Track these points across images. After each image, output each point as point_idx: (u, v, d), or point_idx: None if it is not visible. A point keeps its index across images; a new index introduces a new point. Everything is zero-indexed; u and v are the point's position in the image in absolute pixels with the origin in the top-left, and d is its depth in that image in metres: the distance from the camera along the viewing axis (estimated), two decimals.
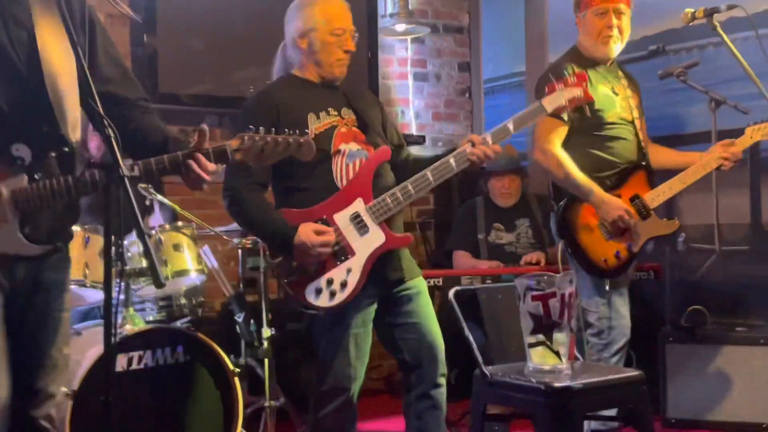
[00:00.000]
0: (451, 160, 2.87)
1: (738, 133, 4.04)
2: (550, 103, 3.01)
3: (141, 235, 1.98)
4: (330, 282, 2.77)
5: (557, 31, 5.52)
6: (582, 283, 3.48)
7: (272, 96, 2.94)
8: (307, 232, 2.74)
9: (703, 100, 4.18)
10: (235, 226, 4.14)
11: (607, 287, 3.45)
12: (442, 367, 2.96)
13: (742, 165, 4.38)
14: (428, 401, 2.97)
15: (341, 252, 2.80)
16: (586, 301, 3.52)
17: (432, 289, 4.06)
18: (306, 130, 2.78)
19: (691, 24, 3.48)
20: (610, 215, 3.39)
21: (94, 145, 3.90)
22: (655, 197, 3.53)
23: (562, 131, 3.48)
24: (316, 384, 2.96)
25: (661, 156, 3.76)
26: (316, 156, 2.79)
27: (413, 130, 5.84)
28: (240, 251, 4.02)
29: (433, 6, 5.96)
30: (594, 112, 3.44)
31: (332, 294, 2.77)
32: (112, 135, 2.01)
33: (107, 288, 1.99)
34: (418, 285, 2.98)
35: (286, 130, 2.27)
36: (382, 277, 2.86)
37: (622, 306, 3.51)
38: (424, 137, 5.76)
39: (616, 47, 3.58)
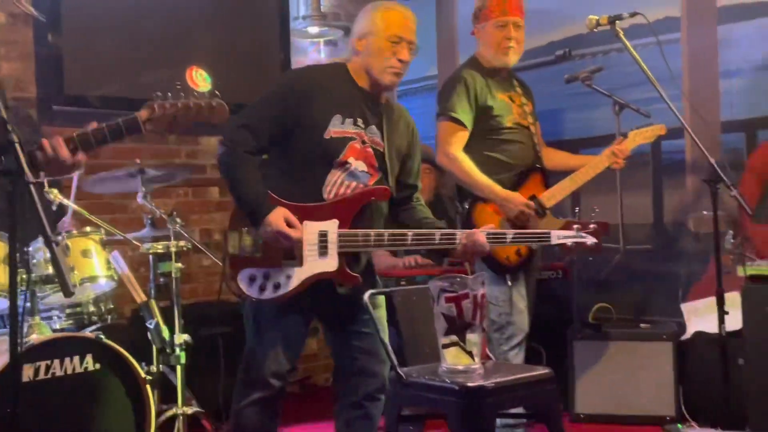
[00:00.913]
0: (437, 236, 2.85)
1: None
2: (558, 236, 3.00)
3: (48, 243, 1.93)
4: (267, 276, 2.74)
5: (467, 35, 5.61)
6: None
7: (313, 79, 2.90)
8: (279, 216, 2.70)
9: (607, 103, 4.33)
10: (146, 231, 4.09)
11: (509, 283, 3.58)
12: (385, 381, 2.91)
13: (644, 167, 4.57)
14: (360, 410, 2.95)
15: (292, 255, 2.76)
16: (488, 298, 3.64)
17: None
18: (322, 128, 2.78)
19: (595, 30, 3.60)
20: (513, 211, 3.56)
21: None
22: (550, 197, 3.71)
23: (463, 135, 3.63)
24: (239, 371, 2.92)
25: (555, 159, 3.95)
26: (322, 158, 2.79)
27: None
28: (151, 256, 3.95)
29: (345, 9, 5.97)
30: (493, 118, 3.62)
31: (262, 288, 2.75)
32: (16, 140, 1.96)
33: (12, 296, 1.94)
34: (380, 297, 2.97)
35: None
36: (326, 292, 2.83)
37: (520, 301, 3.67)
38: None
39: (515, 57, 3.75)
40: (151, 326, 3.70)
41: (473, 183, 3.61)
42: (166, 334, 3.68)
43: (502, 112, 3.71)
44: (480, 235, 2.84)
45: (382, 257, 4.80)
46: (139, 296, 3.72)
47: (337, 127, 2.83)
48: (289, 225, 2.72)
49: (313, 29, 5.56)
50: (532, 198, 3.68)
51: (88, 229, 3.69)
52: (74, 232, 3.62)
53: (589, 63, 4.72)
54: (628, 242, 4.59)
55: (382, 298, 2.99)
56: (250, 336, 2.90)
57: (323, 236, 2.77)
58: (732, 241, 3.84)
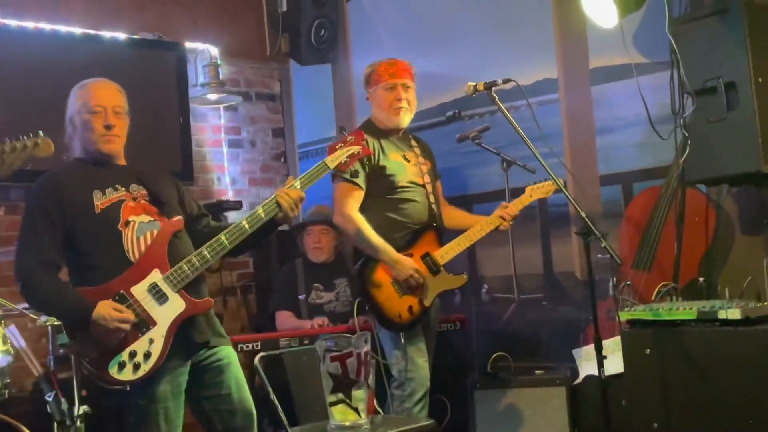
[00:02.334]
0: (244, 222, 3.00)
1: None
2: (332, 160, 3.21)
3: None
4: (133, 354, 2.78)
5: (363, 99, 5.81)
6: (381, 338, 3.72)
7: (56, 178, 2.99)
8: (105, 307, 2.76)
9: (496, 160, 4.55)
10: None
11: (402, 340, 3.70)
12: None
13: (533, 220, 4.79)
14: None
15: (142, 324, 2.82)
16: (387, 355, 3.75)
17: (251, 354, 4.14)
18: (89, 207, 2.87)
19: (473, 96, 3.81)
20: (402, 274, 3.71)
21: None
22: (444, 254, 3.89)
23: (359, 195, 3.77)
24: None
25: (454, 217, 4.14)
26: (105, 230, 2.88)
27: (230, 196, 5.92)
28: (50, 328, 3.93)
29: (244, 75, 6.12)
30: (386, 177, 3.76)
31: (136, 366, 2.78)
32: None
33: None
34: (229, 355, 3.03)
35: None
36: (188, 341, 2.90)
37: (419, 357, 3.77)
38: (241, 202, 5.85)
39: (407, 117, 3.92)
40: (50, 399, 3.67)
41: (367, 243, 3.74)
42: (65, 406, 3.65)
43: (395, 172, 3.87)
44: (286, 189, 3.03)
45: (288, 320, 4.88)
46: (37, 369, 3.70)
47: (102, 199, 2.96)
48: (117, 310, 2.79)
49: (213, 96, 5.67)
50: (426, 255, 3.84)
51: None
52: None
53: (477, 123, 4.95)
54: (522, 292, 4.79)
55: (232, 353, 3.07)
56: (130, 426, 2.93)
57: (154, 287, 2.86)
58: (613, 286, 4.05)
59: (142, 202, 3.01)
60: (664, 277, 3.93)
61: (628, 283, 4.13)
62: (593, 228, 3.34)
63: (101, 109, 3.02)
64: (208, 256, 2.92)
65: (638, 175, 4.40)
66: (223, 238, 2.95)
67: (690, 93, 3.50)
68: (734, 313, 3.20)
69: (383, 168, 3.86)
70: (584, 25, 4.49)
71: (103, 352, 2.79)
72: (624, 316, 3.59)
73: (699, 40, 3.53)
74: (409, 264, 3.73)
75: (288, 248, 5.33)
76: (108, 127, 3.01)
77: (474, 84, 3.74)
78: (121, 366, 2.77)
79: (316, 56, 5.90)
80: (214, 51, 5.73)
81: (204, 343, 2.96)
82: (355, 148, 3.24)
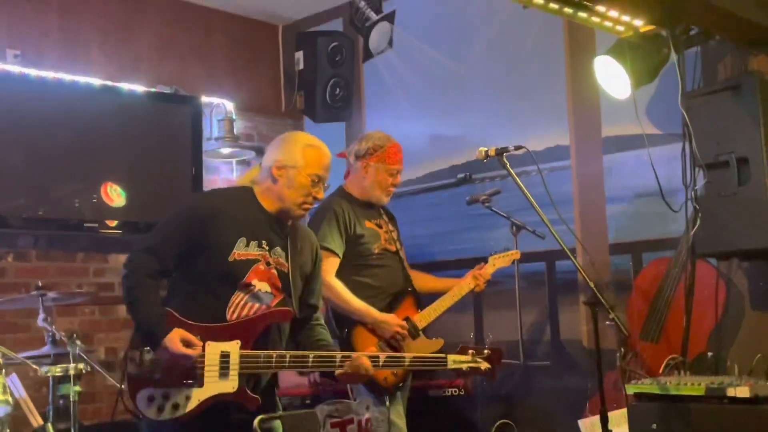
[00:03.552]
0: (338, 357, 2.92)
1: (536, 255, 4.42)
2: (454, 361, 3.16)
3: None
4: (166, 396, 2.73)
5: None
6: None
7: (219, 201, 2.96)
8: (175, 338, 2.72)
9: (506, 224, 4.54)
10: (46, 349, 4.06)
11: (388, 403, 3.68)
12: None
13: (541, 286, 4.77)
14: None
15: (192, 376, 2.76)
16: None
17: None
18: (227, 251, 2.83)
19: (485, 161, 3.82)
20: (388, 332, 3.73)
21: None
22: (422, 319, 3.94)
23: (335, 262, 3.81)
24: None
25: (422, 281, 4.18)
26: (225, 280, 2.84)
27: None
28: (51, 378, 3.91)
29: (258, 129, 6.17)
30: (362, 245, 3.82)
31: (160, 408, 2.72)
32: None
33: None
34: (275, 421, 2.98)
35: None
36: (225, 415, 2.83)
37: (399, 420, 3.78)
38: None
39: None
40: None
41: (350, 307, 3.78)
42: None
43: (370, 239, 3.92)
44: (364, 358, 2.92)
45: (289, 373, 4.84)
46: (36, 420, 3.67)
47: (242, 250, 2.89)
48: (188, 344, 2.74)
49: (226, 150, 5.71)
50: (406, 320, 3.87)
51: None
52: None
53: (488, 186, 4.96)
54: (528, 358, 4.73)
55: (277, 423, 3.01)
56: None
57: (225, 357, 2.79)
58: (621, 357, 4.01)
59: (273, 271, 2.94)
60: (672, 350, 3.89)
61: (635, 354, 4.08)
62: (602, 299, 3.31)
63: (318, 180, 2.98)
64: (287, 364, 2.87)
65: (648, 245, 4.39)
66: (310, 358, 2.90)
67: (702, 166, 3.51)
68: (743, 391, 3.15)
69: (360, 236, 3.90)
70: (597, 93, 4.53)
71: (147, 376, 2.75)
72: (631, 389, 3.54)
73: (712, 115, 3.55)
74: (394, 320, 3.79)
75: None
76: (316, 200, 3.01)
77: (486, 149, 3.75)
78: (150, 400, 2.73)
79: (330, 114, 5.96)
80: (230, 105, 5.79)
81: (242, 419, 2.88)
82: (484, 365, 3.21)
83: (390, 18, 5.70)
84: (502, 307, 4.77)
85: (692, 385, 3.34)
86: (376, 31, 5.77)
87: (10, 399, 3.66)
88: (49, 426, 3.66)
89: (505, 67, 5.07)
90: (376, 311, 3.78)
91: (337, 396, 3.86)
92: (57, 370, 3.81)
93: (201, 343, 2.77)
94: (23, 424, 4.20)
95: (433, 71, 5.45)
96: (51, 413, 3.90)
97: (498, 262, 4.19)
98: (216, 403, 2.79)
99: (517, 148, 3.69)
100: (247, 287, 2.88)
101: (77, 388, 3.80)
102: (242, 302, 2.87)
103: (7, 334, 4.43)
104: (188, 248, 2.88)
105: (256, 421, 2.80)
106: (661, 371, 3.78)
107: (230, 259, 2.87)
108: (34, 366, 3.80)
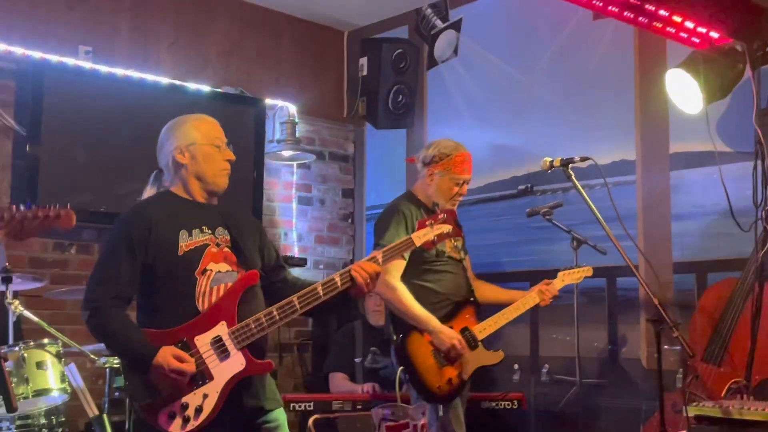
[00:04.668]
0: (319, 288, 2.89)
1: (596, 271, 4.33)
2: (419, 237, 3.10)
3: None
4: (185, 407, 2.72)
5: None
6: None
7: (146, 210, 2.94)
8: (166, 356, 2.70)
9: (566, 238, 4.47)
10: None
11: (441, 412, 3.63)
12: None
13: (600, 302, 4.68)
14: None
15: (199, 376, 2.76)
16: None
17: (303, 414, 4.09)
18: (174, 247, 2.82)
19: (549, 171, 3.77)
20: (445, 344, 3.68)
21: None
22: (482, 330, 3.89)
23: (400, 265, 3.77)
24: None
25: (486, 292, 4.13)
26: (183, 274, 2.83)
27: (295, 252, 5.95)
28: (107, 370, 3.96)
29: (320, 134, 6.19)
30: (427, 250, 3.73)
31: (186, 420, 2.71)
32: None
33: None
34: (279, 418, 2.95)
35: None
36: (239, 404, 2.85)
37: (459, 428, 3.70)
38: (305, 259, 5.87)
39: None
40: None
41: (410, 312, 3.73)
42: None
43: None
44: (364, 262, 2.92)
45: (342, 382, 4.83)
46: (92, 410, 3.72)
47: (187, 241, 2.89)
48: (179, 360, 2.73)
49: (287, 152, 5.75)
50: (465, 330, 3.82)
51: (45, 340, 3.72)
52: (31, 343, 3.65)
53: (550, 198, 4.90)
54: (584, 376, 4.65)
55: (283, 417, 2.98)
56: None
57: (218, 341, 2.79)
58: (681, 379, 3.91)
59: (225, 249, 2.94)
60: (735, 374, 3.77)
61: (697, 376, 3.97)
62: (666, 316, 3.23)
63: (221, 143, 3.00)
64: (277, 317, 2.85)
65: (714, 265, 4.28)
66: (296, 300, 2.87)
67: None
68: None
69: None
70: (667, 108, 4.43)
71: (156, 399, 2.73)
72: (692, 411, 3.43)
73: None
74: (451, 334, 3.73)
75: (348, 309, 5.30)
76: (229, 161, 3.00)
77: (550, 159, 3.70)
78: (171, 416, 2.72)
79: (392, 121, 5.96)
80: (293, 109, 5.83)
81: (256, 409, 2.89)
82: (446, 228, 3.12)
83: (456, 26, 5.67)
84: (559, 322, 4.69)
85: (756, 410, 3.22)
86: (442, 39, 5.76)
87: (67, 388, 3.73)
88: (105, 417, 3.69)
89: (571, 77, 5.01)
90: (435, 321, 3.73)
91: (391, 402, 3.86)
92: (114, 361, 3.85)
93: (191, 359, 2.74)
94: (79, 413, 4.27)
95: (497, 80, 5.40)
96: (107, 404, 3.95)
97: (567, 279, 4.12)
98: (231, 391, 2.77)
99: (583, 159, 3.64)
100: (205, 273, 2.86)
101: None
102: (207, 289, 2.85)
103: (67, 325, 4.49)
104: (137, 263, 2.84)
105: (310, 422, 2.79)
106: (723, 395, 3.67)
107: (180, 253, 2.85)
108: (93, 357, 3.86)
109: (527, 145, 5.13)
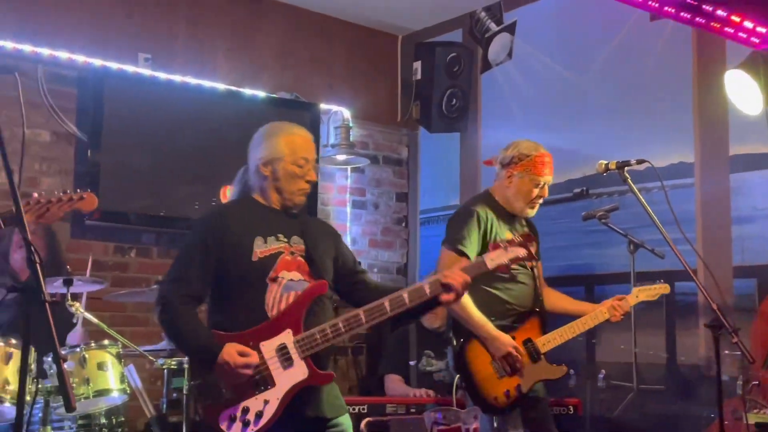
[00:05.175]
0: (386, 303, 2.88)
1: (654, 275, 4.26)
2: (492, 260, 3.06)
3: (56, 359, 2.04)
4: (245, 411, 2.75)
5: (489, 170, 5.76)
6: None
7: (224, 213, 3.02)
8: (230, 352, 2.74)
9: (622, 242, 4.40)
10: (162, 345, 4.19)
11: (495, 424, 3.54)
12: None
13: (658, 307, 4.60)
14: None
15: (262, 381, 2.78)
16: None
17: (357, 416, 4.10)
18: (248, 253, 2.86)
19: (605, 174, 3.71)
20: (500, 351, 3.57)
21: (19, 256, 3.95)
22: (546, 342, 3.74)
23: (461, 265, 3.63)
24: None
25: (556, 301, 4.00)
26: (255, 280, 2.87)
27: None
28: (165, 371, 4.03)
29: (374, 138, 6.22)
30: (501, 272, 3.65)
31: (246, 423, 2.74)
32: (37, 260, 2.09)
33: (20, 406, 2.03)
34: (342, 423, 2.96)
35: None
36: (300, 414, 2.85)
37: None
38: (360, 263, 5.89)
39: (535, 211, 3.86)
40: None
41: (467, 316, 3.62)
42: None
43: None
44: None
45: (396, 385, 4.83)
46: (150, 411, 3.79)
47: (262, 248, 2.91)
48: (243, 354, 2.76)
49: (341, 157, 5.78)
50: (528, 341, 3.70)
51: (106, 341, 3.79)
52: (92, 344, 3.73)
53: (605, 202, 4.83)
54: (641, 382, 4.57)
55: (348, 422, 2.99)
56: None
57: (283, 348, 2.81)
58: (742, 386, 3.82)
59: (299, 258, 2.96)
60: None
61: (757, 383, 3.88)
62: (725, 321, 3.16)
63: (306, 163, 3.02)
64: (343, 329, 2.86)
65: None
66: (361, 314, 2.86)
67: None
68: None
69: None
70: (726, 109, 4.35)
71: (219, 400, 2.77)
72: (752, 418, 3.38)
73: None
74: (508, 341, 3.60)
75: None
76: (309, 182, 3.03)
77: (606, 162, 3.65)
78: (232, 420, 2.75)
79: (445, 125, 5.95)
80: (347, 113, 5.86)
81: (316, 419, 2.90)
82: (521, 252, 3.07)
83: (511, 29, 5.64)
84: (616, 327, 4.61)
85: None
86: (496, 42, 5.73)
87: (127, 388, 3.80)
88: (164, 417, 3.76)
89: (627, 79, 4.94)
90: (491, 327, 3.60)
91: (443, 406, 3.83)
92: (172, 363, 3.91)
93: (255, 352, 2.78)
94: (138, 414, 4.35)
95: (552, 83, 5.36)
96: (165, 405, 4.01)
97: (642, 295, 3.97)
98: (292, 400, 2.79)
99: (640, 162, 3.58)
100: (277, 280, 2.88)
101: (190, 382, 3.88)
102: (278, 296, 2.87)
103: (127, 327, 4.59)
104: (211, 265, 2.89)
105: (363, 424, 2.80)
106: None
107: (254, 259, 2.88)
108: (151, 358, 3.93)
109: (582, 147, 5.08)
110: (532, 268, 3.82)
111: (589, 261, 4.94)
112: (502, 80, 5.71)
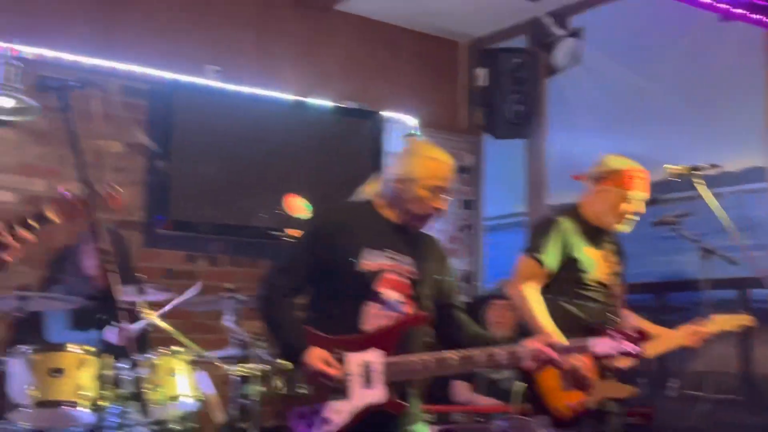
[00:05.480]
0: (483, 357, 2.84)
1: (727, 282, 4.17)
2: (600, 347, 3.02)
3: (132, 366, 2.09)
4: (316, 412, 2.77)
5: (555, 177, 5.72)
6: None
7: (341, 213, 3.04)
8: (314, 357, 2.76)
9: (691, 248, 4.31)
10: (232, 351, 4.25)
11: None
12: None
13: (731, 314, 4.48)
14: None
15: (339, 392, 2.79)
16: None
17: None
18: (352, 259, 2.85)
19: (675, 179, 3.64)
20: (567, 363, 3.47)
21: (90, 263, 4.05)
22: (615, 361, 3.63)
23: (540, 273, 3.59)
24: None
25: (633, 324, 3.86)
26: (356, 291, 2.86)
27: None
28: (236, 378, 4.08)
29: (439, 146, 6.19)
30: (577, 270, 3.59)
31: (310, 425, 2.77)
32: (111, 269, 2.16)
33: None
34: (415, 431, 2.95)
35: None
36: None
37: None
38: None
39: (629, 228, 3.74)
40: None
41: (535, 324, 3.55)
42: None
43: (586, 268, 3.67)
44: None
45: (463, 391, 4.81)
46: (221, 417, 3.84)
47: (369, 260, 2.89)
48: (327, 363, 2.76)
49: None
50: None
51: (177, 348, 3.86)
52: (164, 351, 3.80)
53: (675, 208, 4.74)
54: (715, 391, 4.47)
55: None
56: None
57: (368, 365, 2.80)
58: None
59: (403, 279, 2.93)
60: None
61: None
62: None
63: (438, 190, 2.95)
64: (432, 367, 2.83)
65: None
66: (456, 358, 2.83)
67: None
68: None
69: (574, 261, 3.67)
70: None
71: (297, 394, 2.79)
72: None
73: None
74: None
75: (470, 317, 5.27)
76: (437, 211, 2.98)
77: (675, 167, 3.58)
78: (301, 416, 2.78)
79: (511, 131, 5.91)
80: (411, 121, 5.87)
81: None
82: (630, 347, 3.00)
83: (576, 34, 5.59)
84: None
85: None
86: (561, 47, 5.68)
87: (198, 395, 3.86)
88: (235, 423, 3.81)
89: (697, 83, 4.85)
90: (561, 336, 3.58)
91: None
92: (242, 370, 3.96)
93: (338, 364, 2.78)
94: (209, 420, 4.42)
95: (619, 87, 5.29)
96: (235, 412, 4.06)
97: (723, 325, 3.84)
98: (365, 418, 2.77)
99: (713, 166, 3.50)
100: (378, 296, 2.86)
101: (260, 389, 3.93)
102: (375, 312, 2.85)
103: (197, 334, 4.66)
104: (317, 264, 2.90)
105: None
106: None
107: (358, 269, 2.87)
108: (220, 365, 3.99)
109: (650, 151, 4.96)
110: (607, 287, 3.72)
111: (659, 269, 4.85)
112: (567, 85, 5.66)
